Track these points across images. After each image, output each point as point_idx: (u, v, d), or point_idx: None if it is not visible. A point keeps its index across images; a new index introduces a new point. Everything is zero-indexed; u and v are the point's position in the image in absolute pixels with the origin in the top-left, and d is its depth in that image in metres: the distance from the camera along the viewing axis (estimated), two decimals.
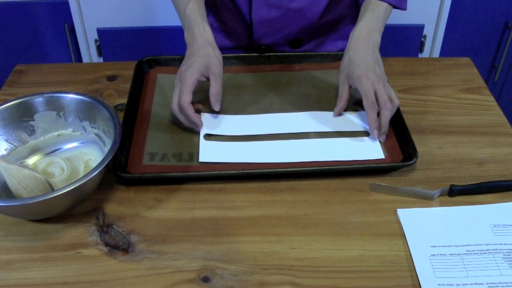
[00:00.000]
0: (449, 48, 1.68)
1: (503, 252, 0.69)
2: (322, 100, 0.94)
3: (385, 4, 0.91)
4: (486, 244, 0.70)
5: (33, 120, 0.82)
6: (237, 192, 0.78)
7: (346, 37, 0.94)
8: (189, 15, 0.89)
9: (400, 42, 1.62)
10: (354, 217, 0.74)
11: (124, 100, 0.94)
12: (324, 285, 0.66)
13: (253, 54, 1.03)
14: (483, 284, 0.65)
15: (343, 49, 0.91)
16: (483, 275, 0.66)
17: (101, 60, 1.65)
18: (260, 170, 0.79)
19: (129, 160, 0.82)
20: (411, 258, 0.68)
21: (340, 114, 0.90)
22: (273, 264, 0.68)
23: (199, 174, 0.79)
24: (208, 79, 0.85)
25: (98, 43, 1.61)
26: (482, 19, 1.64)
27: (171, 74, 1.00)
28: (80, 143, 0.84)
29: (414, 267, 0.67)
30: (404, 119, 0.86)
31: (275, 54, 1.03)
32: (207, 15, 1.05)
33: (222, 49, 0.91)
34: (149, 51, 1.61)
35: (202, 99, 0.90)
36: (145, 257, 0.69)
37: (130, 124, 0.87)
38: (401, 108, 0.88)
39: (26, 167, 0.75)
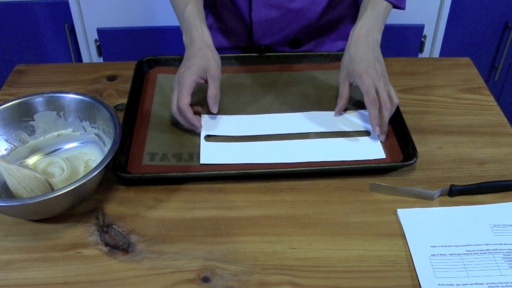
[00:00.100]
0: (449, 48, 1.68)
1: (503, 252, 0.69)
2: (322, 100, 0.94)
3: (384, 3, 0.91)
4: (486, 244, 0.70)
5: (33, 120, 0.82)
6: (237, 192, 0.78)
7: (346, 37, 0.94)
8: (187, 18, 0.89)
9: (400, 42, 1.62)
10: (354, 217, 0.74)
11: (124, 100, 0.94)
12: (324, 285, 0.66)
13: (253, 54, 1.03)
14: (483, 284, 0.65)
15: (343, 49, 0.91)
16: (483, 275, 0.66)
17: (101, 60, 1.65)
18: (260, 170, 0.79)
19: (129, 160, 0.82)
20: (411, 258, 0.68)
21: (340, 114, 0.90)
22: (273, 264, 0.68)
23: (199, 174, 0.79)
24: (206, 81, 0.85)
25: (98, 43, 1.61)
26: (482, 19, 1.64)
27: (171, 74, 1.00)
28: (80, 143, 0.84)
29: (414, 267, 0.67)
30: (404, 119, 0.86)
31: (275, 54, 1.03)
32: (207, 16, 1.05)
33: (222, 49, 0.91)
34: (149, 51, 1.61)
35: (201, 100, 0.90)
36: (145, 257, 0.69)
37: (130, 124, 0.87)
38: (401, 108, 0.88)
39: (26, 167, 0.75)
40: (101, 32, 1.58)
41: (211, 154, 0.82)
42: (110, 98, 0.96)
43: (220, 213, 0.75)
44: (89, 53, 1.64)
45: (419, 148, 0.81)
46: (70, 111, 0.83)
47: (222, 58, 0.89)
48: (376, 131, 0.83)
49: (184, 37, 0.90)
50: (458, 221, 0.73)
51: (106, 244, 0.70)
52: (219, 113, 0.89)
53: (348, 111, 0.91)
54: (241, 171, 0.79)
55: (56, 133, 0.84)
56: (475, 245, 0.70)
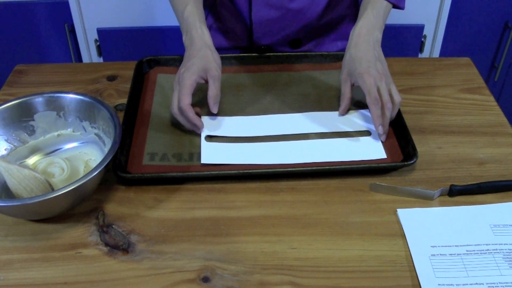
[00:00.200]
0: (449, 48, 1.68)
1: (503, 252, 0.69)
2: (322, 100, 0.94)
3: (384, 2, 0.91)
4: (486, 244, 0.70)
5: (33, 120, 0.82)
6: (237, 192, 0.78)
7: (346, 37, 0.94)
8: (187, 18, 0.89)
9: (400, 42, 1.62)
10: (354, 217, 0.74)
11: (124, 100, 0.94)
12: (324, 285, 0.66)
13: (253, 54, 1.03)
14: (483, 284, 0.65)
15: (343, 49, 0.91)
16: (483, 275, 0.66)
17: (101, 60, 1.65)
18: (260, 170, 0.79)
19: (129, 160, 0.82)
20: (411, 258, 0.68)
21: (342, 114, 0.90)
22: (273, 264, 0.68)
23: (199, 174, 0.79)
24: (206, 81, 0.85)
25: (98, 43, 1.61)
26: (482, 19, 1.64)
27: (171, 74, 1.00)
28: (80, 143, 0.84)
29: (414, 267, 0.67)
30: (404, 119, 0.86)
31: (274, 54, 1.03)
32: (206, 16, 1.05)
33: (222, 49, 0.91)
34: (149, 51, 1.61)
35: (200, 100, 0.90)
36: (145, 257, 0.69)
37: (130, 124, 0.87)
38: (401, 108, 0.88)
39: (26, 167, 0.75)
40: (101, 32, 1.58)
41: (212, 154, 0.82)
42: (110, 98, 0.96)
43: (220, 213, 0.75)
44: (89, 53, 1.64)
45: (419, 148, 0.81)
46: (70, 111, 0.83)
47: (222, 58, 0.89)
48: (379, 131, 0.83)
49: (184, 38, 0.90)
50: (458, 221, 0.73)
51: (106, 244, 0.70)
52: (219, 113, 0.89)
53: (350, 111, 0.91)
54: (241, 171, 0.79)
55: (56, 133, 0.84)
56: (475, 245, 0.70)
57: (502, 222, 0.73)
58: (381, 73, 0.83)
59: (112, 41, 1.60)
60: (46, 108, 0.82)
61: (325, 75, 1.00)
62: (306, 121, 0.89)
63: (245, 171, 0.79)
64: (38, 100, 0.82)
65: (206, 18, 0.96)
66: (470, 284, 0.65)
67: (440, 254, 0.69)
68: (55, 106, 0.83)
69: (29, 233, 0.72)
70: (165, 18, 1.56)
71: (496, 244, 0.70)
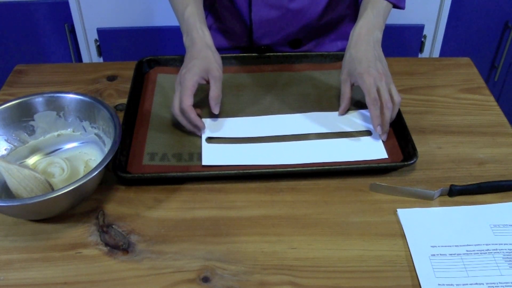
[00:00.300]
0: (449, 48, 1.68)
1: (503, 252, 0.69)
2: (322, 100, 0.94)
3: (384, 2, 0.91)
4: (486, 244, 0.70)
5: (33, 120, 0.82)
6: (237, 192, 0.78)
7: (346, 37, 0.94)
8: (187, 19, 0.89)
9: (400, 42, 1.62)
10: (354, 217, 0.74)
11: (124, 100, 0.94)
12: (324, 285, 0.66)
13: (253, 54, 1.03)
14: (483, 284, 0.65)
15: (343, 49, 0.91)
16: (483, 275, 0.66)
17: (101, 60, 1.65)
18: (260, 170, 0.79)
19: (129, 160, 0.82)
20: (411, 258, 0.68)
21: (342, 114, 0.90)
22: (273, 264, 0.68)
23: (199, 174, 0.79)
24: (208, 82, 0.85)
25: (98, 43, 1.61)
26: (482, 19, 1.64)
27: (171, 74, 1.00)
28: (80, 143, 0.84)
29: (414, 267, 0.67)
30: (404, 119, 0.86)
31: (274, 54, 1.03)
32: (206, 16, 1.05)
33: (222, 49, 0.91)
34: (149, 51, 1.61)
35: (201, 100, 0.90)
36: (145, 257, 0.69)
37: (130, 124, 0.87)
38: (401, 108, 0.88)
39: (26, 167, 0.75)
40: (101, 32, 1.58)
41: (213, 155, 0.82)
42: (110, 98, 0.96)
43: (220, 213, 0.75)
44: (89, 53, 1.64)
45: (419, 148, 0.81)
46: (70, 111, 0.83)
47: (222, 58, 0.88)
48: (378, 131, 0.83)
49: (184, 38, 0.90)
50: (458, 221, 0.73)
51: (106, 244, 0.70)
52: (219, 114, 0.89)
53: (350, 111, 0.91)
54: (241, 171, 0.79)
55: (56, 133, 0.84)
56: (475, 245, 0.70)
57: (502, 222, 0.73)
58: (381, 72, 0.83)
59: (112, 41, 1.60)
60: (46, 108, 0.82)
61: (325, 75, 1.00)
62: (307, 121, 0.89)
63: (245, 171, 0.79)
64: (38, 100, 0.82)
65: (206, 18, 0.96)
66: (470, 284, 0.65)
67: (440, 254, 0.69)
68: (55, 106, 0.83)
69: (29, 233, 0.72)
70: (165, 18, 1.56)
71: (496, 244, 0.70)
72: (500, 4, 1.61)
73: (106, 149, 0.77)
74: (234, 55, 1.03)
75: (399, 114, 0.87)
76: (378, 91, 0.82)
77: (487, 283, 0.65)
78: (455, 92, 0.98)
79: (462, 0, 1.58)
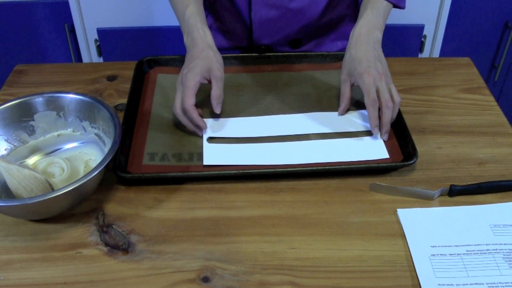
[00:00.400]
0: (449, 48, 1.68)
1: (503, 252, 0.69)
2: (322, 100, 0.94)
3: (384, 2, 0.91)
4: (486, 244, 0.70)
5: (33, 120, 0.82)
6: (237, 192, 0.78)
7: (346, 37, 0.94)
8: (188, 19, 0.89)
9: (400, 42, 1.62)
10: (354, 217, 0.74)
11: (124, 100, 0.94)
12: (324, 285, 0.66)
13: (253, 54, 1.03)
14: (483, 284, 0.65)
15: (343, 49, 0.91)
16: (483, 275, 0.66)
17: (101, 60, 1.65)
18: (260, 170, 0.79)
19: (129, 160, 0.82)
20: (411, 258, 0.68)
21: (342, 114, 0.90)
22: (273, 264, 0.68)
23: (199, 174, 0.79)
24: (209, 81, 0.85)
25: (98, 43, 1.61)
26: (482, 19, 1.64)
27: (171, 74, 1.00)
28: (80, 143, 0.84)
29: (414, 267, 0.67)
30: (404, 119, 0.86)
31: (275, 54, 1.03)
32: (206, 16, 1.05)
33: (222, 49, 0.91)
34: (149, 51, 1.61)
35: (202, 100, 0.90)
36: (145, 257, 0.69)
37: (130, 124, 0.87)
38: (401, 108, 0.88)
39: (26, 167, 0.75)
40: (101, 32, 1.58)
41: (214, 155, 0.82)
42: (110, 98, 0.96)
43: (220, 213, 0.75)
44: (89, 53, 1.64)
45: (419, 148, 0.81)
46: (70, 111, 0.83)
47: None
48: (375, 132, 0.84)
49: (185, 39, 0.90)
50: (458, 221, 0.73)
51: (106, 244, 0.70)
52: (220, 116, 0.89)
53: (350, 112, 0.91)
54: (241, 171, 0.79)
55: (56, 133, 0.84)
56: (475, 245, 0.70)
57: (502, 222, 0.73)
58: (381, 73, 0.83)
59: (112, 41, 1.60)
60: (46, 108, 0.82)
61: (325, 75, 1.00)
62: (308, 121, 0.89)
63: (245, 171, 0.79)
64: (38, 100, 0.82)
65: (206, 18, 0.96)
66: (470, 284, 0.65)
67: (440, 254, 0.69)
68: (55, 106, 0.83)
69: (29, 233, 0.72)
70: (165, 18, 1.56)
71: (496, 244, 0.70)
72: (500, 4, 1.61)
73: (106, 149, 0.77)
74: (234, 55, 1.03)
75: (399, 114, 0.87)
76: (377, 91, 0.82)
77: (487, 283, 0.65)
78: (455, 92, 0.98)
79: (462, 0, 1.58)
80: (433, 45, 1.65)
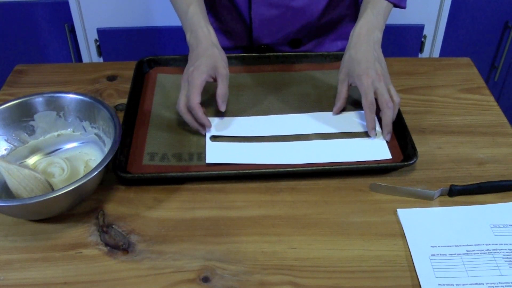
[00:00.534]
0: (449, 48, 1.68)
1: (503, 252, 0.69)
2: (322, 100, 0.94)
3: (385, 2, 0.91)
4: (486, 244, 0.70)
5: (33, 120, 0.82)
6: (237, 192, 0.78)
7: (346, 37, 0.94)
8: (191, 17, 0.89)
9: (400, 42, 1.62)
10: (354, 217, 0.74)
11: (124, 100, 0.94)
12: (324, 285, 0.66)
13: (253, 54, 1.03)
14: (483, 284, 0.65)
15: (343, 49, 0.91)
16: (483, 275, 0.66)
17: (101, 60, 1.65)
18: (260, 170, 0.79)
19: (129, 160, 0.82)
20: (411, 258, 0.68)
21: (338, 113, 0.90)
22: (273, 264, 0.68)
23: (199, 174, 0.79)
24: (215, 80, 0.85)
25: (98, 43, 1.61)
26: (482, 19, 1.64)
27: (171, 74, 1.00)
28: (80, 143, 0.84)
29: (414, 267, 0.67)
30: (404, 119, 0.86)
31: (275, 54, 1.03)
32: None
33: (223, 49, 0.91)
34: (149, 51, 1.61)
35: (204, 99, 0.90)
36: (145, 257, 0.69)
37: (130, 124, 0.87)
38: (401, 108, 0.88)
39: (26, 167, 0.75)
40: (101, 32, 1.58)
41: (216, 154, 0.82)
42: (110, 98, 0.96)
43: (220, 213, 0.75)
44: (89, 53, 1.64)
45: (419, 148, 0.81)
46: (70, 111, 0.83)
47: None
48: (372, 135, 0.84)
49: (188, 37, 0.90)
50: (458, 221, 0.73)
51: (106, 244, 0.70)
52: (222, 115, 0.89)
53: (351, 112, 0.91)
54: (241, 171, 0.79)
55: (56, 133, 0.84)
56: (475, 245, 0.70)
57: (502, 222, 0.73)
58: (379, 74, 0.83)
59: (112, 41, 1.60)
60: (46, 108, 0.82)
61: (325, 75, 1.00)
62: (311, 121, 0.89)
63: (245, 171, 0.79)
64: (38, 100, 0.82)
65: None
66: (470, 284, 0.65)
67: (440, 254, 0.69)
68: (55, 106, 0.83)
69: (29, 233, 0.72)
70: (165, 18, 1.56)
71: (496, 244, 0.70)
72: (500, 4, 1.61)
73: (106, 149, 0.77)
74: (234, 55, 1.03)
75: (399, 114, 0.87)
76: (376, 92, 0.82)
77: (487, 283, 0.65)
78: (455, 92, 0.98)
79: (462, 0, 1.58)
80: (433, 45, 1.65)
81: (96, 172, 0.70)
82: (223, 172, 0.79)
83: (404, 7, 0.95)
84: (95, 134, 0.82)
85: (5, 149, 0.81)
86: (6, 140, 0.81)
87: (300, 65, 1.03)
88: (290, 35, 1.05)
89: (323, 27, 1.07)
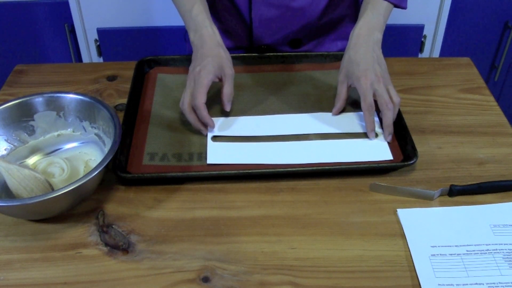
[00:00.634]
0: (449, 48, 1.68)
1: (503, 252, 0.69)
2: (322, 100, 0.94)
3: (385, 3, 0.91)
4: (486, 244, 0.70)
5: (33, 120, 0.82)
6: (237, 192, 0.78)
7: (346, 37, 0.94)
8: (196, 17, 0.89)
9: (400, 42, 1.62)
10: (354, 217, 0.74)
11: (124, 100, 0.94)
12: (324, 285, 0.66)
13: (253, 54, 1.03)
14: (483, 284, 0.65)
15: (343, 49, 0.91)
16: (483, 275, 0.66)
17: (101, 60, 1.65)
18: (260, 170, 0.79)
19: (129, 160, 0.82)
20: (411, 258, 0.68)
21: (339, 114, 0.90)
22: (273, 264, 0.68)
23: (199, 174, 0.79)
24: (220, 79, 0.86)
25: (98, 43, 1.61)
26: (482, 19, 1.64)
27: (171, 74, 1.00)
28: (80, 143, 0.84)
29: (414, 267, 0.67)
30: (404, 119, 0.86)
31: (275, 54, 1.03)
32: None
33: (227, 49, 0.91)
34: (149, 51, 1.61)
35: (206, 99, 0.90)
36: (145, 257, 0.69)
37: (130, 124, 0.87)
38: (401, 108, 0.88)
39: (26, 167, 0.75)
40: (101, 32, 1.58)
41: (217, 154, 0.82)
42: (110, 98, 0.96)
43: (220, 213, 0.75)
44: (89, 53, 1.64)
45: (419, 148, 0.81)
46: (70, 111, 0.83)
47: None
48: (371, 136, 0.84)
49: (192, 36, 0.90)
50: (458, 221, 0.73)
51: (106, 244, 0.70)
52: (223, 115, 0.89)
53: (351, 112, 0.91)
54: (241, 171, 0.79)
55: (56, 133, 0.84)
56: (475, 245, 0.70)
57: (502, 222, 0.73)
58: (379, 75, 0.83)
59: (112, 41, 1.60)
60: (46, 108, 0.82)
61: (325, 75, 1.00)
62: (312, 121, 0.89)
63: (245, 171, 0.79)
64: (38, 100, 0.82)
65: None
66: (470, 284, 0.65)
67: (440, 254, 0.69)
68: (55, 106, 0.83)
69: (29, 233, 0.72)
70: (165, 18, 1.56)
71: (496, 244, 0.70)
72: (500, 4, 1.61)
73: (106, 149, 0.77)
74: (235, 55, 1.02)
75: (399, 114, 0.87)
76: (375, 94, 0.82)
77: (487, 283, 0.65)
78: (455, 92, 0.98)
79: (462, 0, 1.58)
80: (433, 45, 1.65)
81: (96, 172, 0.70)
82: (223, 172, 0.79)
83: (404, 8, 0.95)
84: (95, 134, 0.82)
85: (5, 149, 0.81)
86: (6, 140, 0.81)
87: (300, 65, 1.03)
88: (290, 35, 1.05)
89: (323, 27, 1.07)
